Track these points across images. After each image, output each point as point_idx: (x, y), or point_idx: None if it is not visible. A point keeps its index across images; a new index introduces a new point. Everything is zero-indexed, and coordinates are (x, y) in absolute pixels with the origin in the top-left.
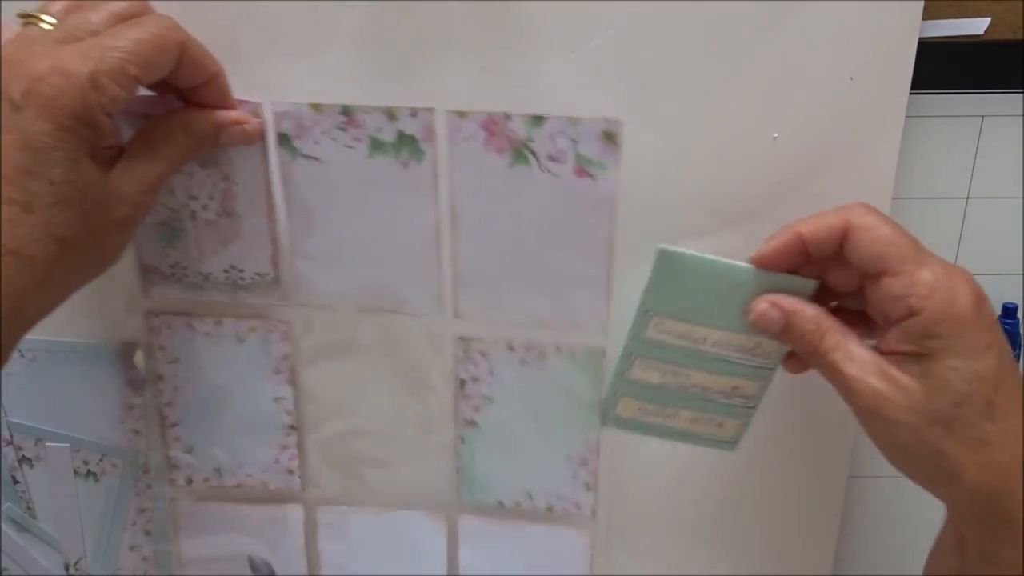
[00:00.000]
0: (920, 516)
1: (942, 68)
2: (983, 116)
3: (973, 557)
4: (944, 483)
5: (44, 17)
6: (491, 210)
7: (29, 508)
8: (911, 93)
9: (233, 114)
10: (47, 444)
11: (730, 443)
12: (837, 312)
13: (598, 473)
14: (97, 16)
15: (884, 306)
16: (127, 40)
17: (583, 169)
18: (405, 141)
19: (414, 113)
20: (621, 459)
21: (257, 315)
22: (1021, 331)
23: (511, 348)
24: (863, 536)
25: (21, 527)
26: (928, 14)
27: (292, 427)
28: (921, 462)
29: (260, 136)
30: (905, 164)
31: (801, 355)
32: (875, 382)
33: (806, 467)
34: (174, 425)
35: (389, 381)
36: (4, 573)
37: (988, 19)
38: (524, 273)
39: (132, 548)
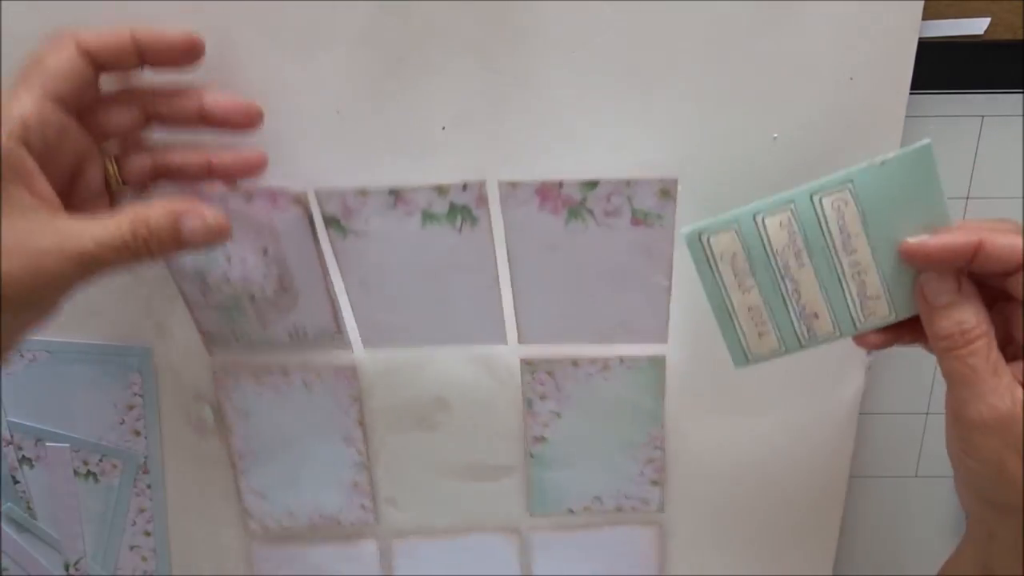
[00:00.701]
0: (920, 516)
1: (942, 68)
2: (983, 116)
3: (1001, 549)
4: (1005, 508)
5: None
6: (549, 261)
7: (29, 508)
8: (911, 93)
9: (190, 204)
10: (47, 444)
11: (745, 357)
12: None
13: (664, 468)
14: None
15: None
16: None
17: (639, 220)
18: (458, 210)
19: (465, 187)
20: (684, 451)
21: (324, 361)
22: None
23: (576, 364)
24: (863, 536)
25: (21, 527)
26: (928, 14)
27: (363, 465)
28: (1000, 485)
29: (225, 232)
30: None
31: (932, 337)
32: (1008, 399)
33: (807, 467)
34: (245, 474)
35: (457, 410)
36: (4, 573)
37: (988, 19)
38: (584, 314)
39: (132, 548)
